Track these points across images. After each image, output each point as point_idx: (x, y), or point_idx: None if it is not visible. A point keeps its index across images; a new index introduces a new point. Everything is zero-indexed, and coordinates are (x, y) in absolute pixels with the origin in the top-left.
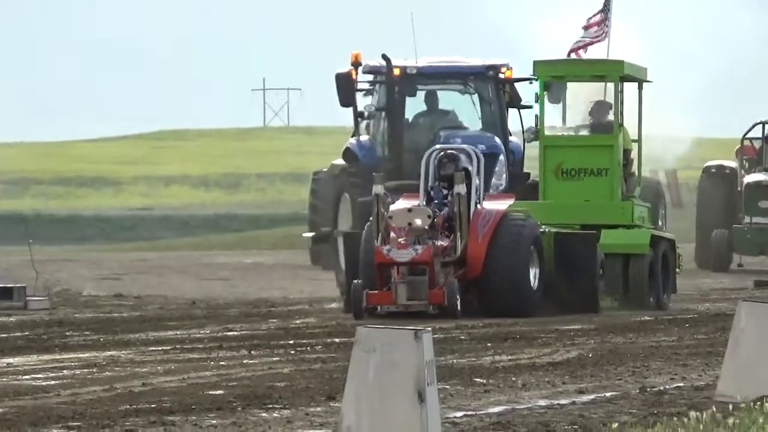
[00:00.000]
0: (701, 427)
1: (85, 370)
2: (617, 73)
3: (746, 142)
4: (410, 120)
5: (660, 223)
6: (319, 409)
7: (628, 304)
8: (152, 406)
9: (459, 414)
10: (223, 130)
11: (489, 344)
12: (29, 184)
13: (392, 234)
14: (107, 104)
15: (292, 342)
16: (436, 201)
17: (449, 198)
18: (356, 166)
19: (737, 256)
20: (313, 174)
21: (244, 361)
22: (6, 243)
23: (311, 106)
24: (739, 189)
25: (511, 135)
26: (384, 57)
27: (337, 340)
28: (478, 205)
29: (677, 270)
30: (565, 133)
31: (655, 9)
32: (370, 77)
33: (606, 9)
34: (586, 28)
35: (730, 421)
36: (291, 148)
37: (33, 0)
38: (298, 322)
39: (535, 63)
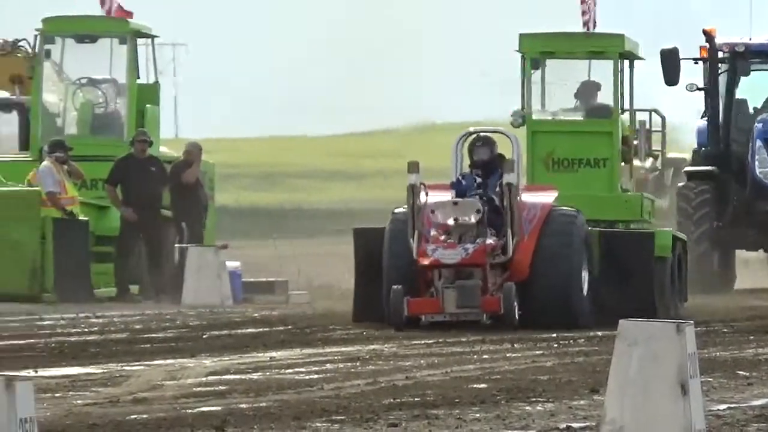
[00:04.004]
0: None
1: (348, 364)
2: (617, 48)
3: None
4: (738, 102)
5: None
6: (582, 402)
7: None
8: (416, 399)
9: (722, 407)
10: (469, 123)
11: (751, 337)
12: (276, 177)
13: (432, 231)
14: (342, 100)
15: (555, 335)
16: (467, 193)
17: (484, 188)
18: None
19: None
20: None
21: (507, 355)
22: (270, 237)
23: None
24: None
25: None
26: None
27: (599, 333)
28: (518, 198)
29: None
30: (556, 117)
31: None
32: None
33: None
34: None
35: None
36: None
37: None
38: None
39: (521, 36)
